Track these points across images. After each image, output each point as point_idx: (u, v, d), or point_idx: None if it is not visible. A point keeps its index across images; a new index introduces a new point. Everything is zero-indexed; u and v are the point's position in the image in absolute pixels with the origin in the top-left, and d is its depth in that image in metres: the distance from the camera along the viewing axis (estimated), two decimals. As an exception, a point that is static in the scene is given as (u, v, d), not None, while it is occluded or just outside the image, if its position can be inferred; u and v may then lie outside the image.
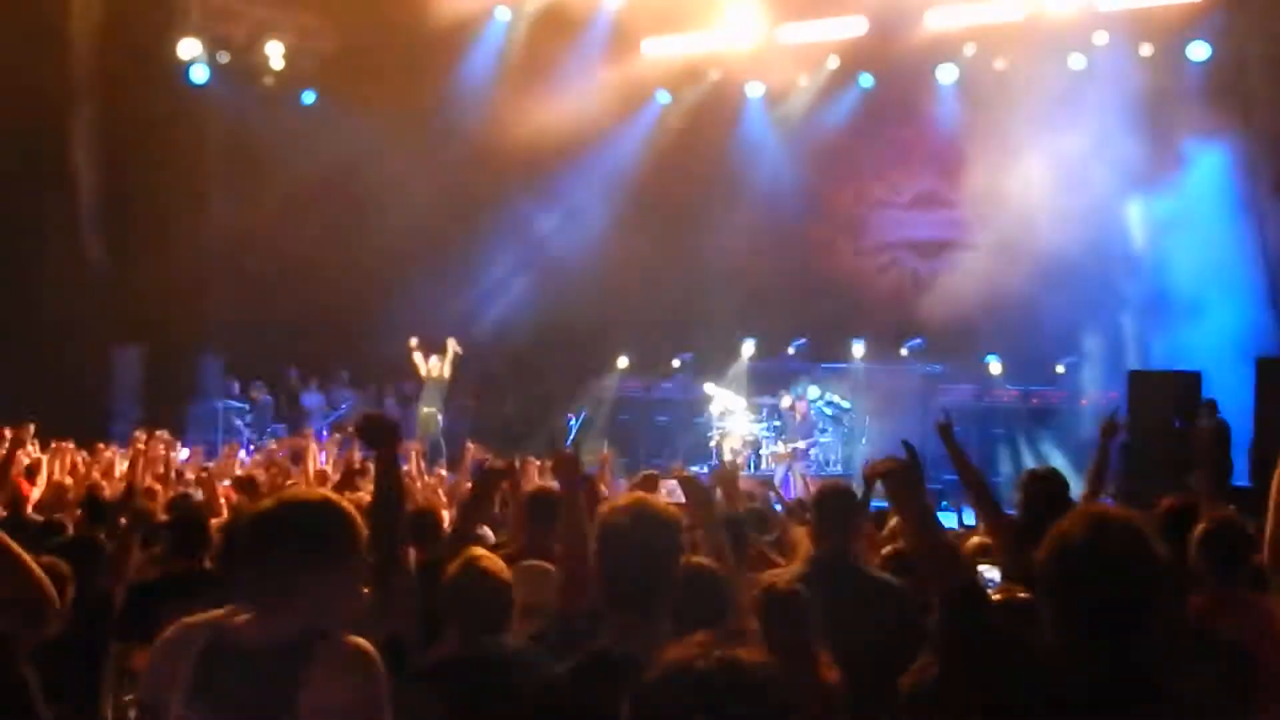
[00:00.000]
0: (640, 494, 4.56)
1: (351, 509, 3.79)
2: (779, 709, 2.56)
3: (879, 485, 4.17)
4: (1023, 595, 4.92)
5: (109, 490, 11.43)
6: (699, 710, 2.50)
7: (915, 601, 5.64)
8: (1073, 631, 3.42)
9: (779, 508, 11.24)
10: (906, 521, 4.22)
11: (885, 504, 12.99)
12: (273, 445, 19.76)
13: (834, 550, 6.13)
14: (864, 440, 23.40)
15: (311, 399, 26.27)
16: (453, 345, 23.89)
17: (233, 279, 25.78)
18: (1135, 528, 3.45)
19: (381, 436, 4.97)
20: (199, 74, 25.23)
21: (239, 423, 25.05)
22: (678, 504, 4.72)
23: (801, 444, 22.08)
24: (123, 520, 8.05)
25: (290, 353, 26.38)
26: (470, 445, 15.61)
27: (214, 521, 8.55)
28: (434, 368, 23.83)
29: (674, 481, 7.42)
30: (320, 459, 15.21)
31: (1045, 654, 3.48)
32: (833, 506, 6.26)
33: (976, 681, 3.59)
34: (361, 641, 3.66)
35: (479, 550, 5.53)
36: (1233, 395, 17.88)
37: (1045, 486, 6.97)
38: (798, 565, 6.36)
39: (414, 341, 23.85)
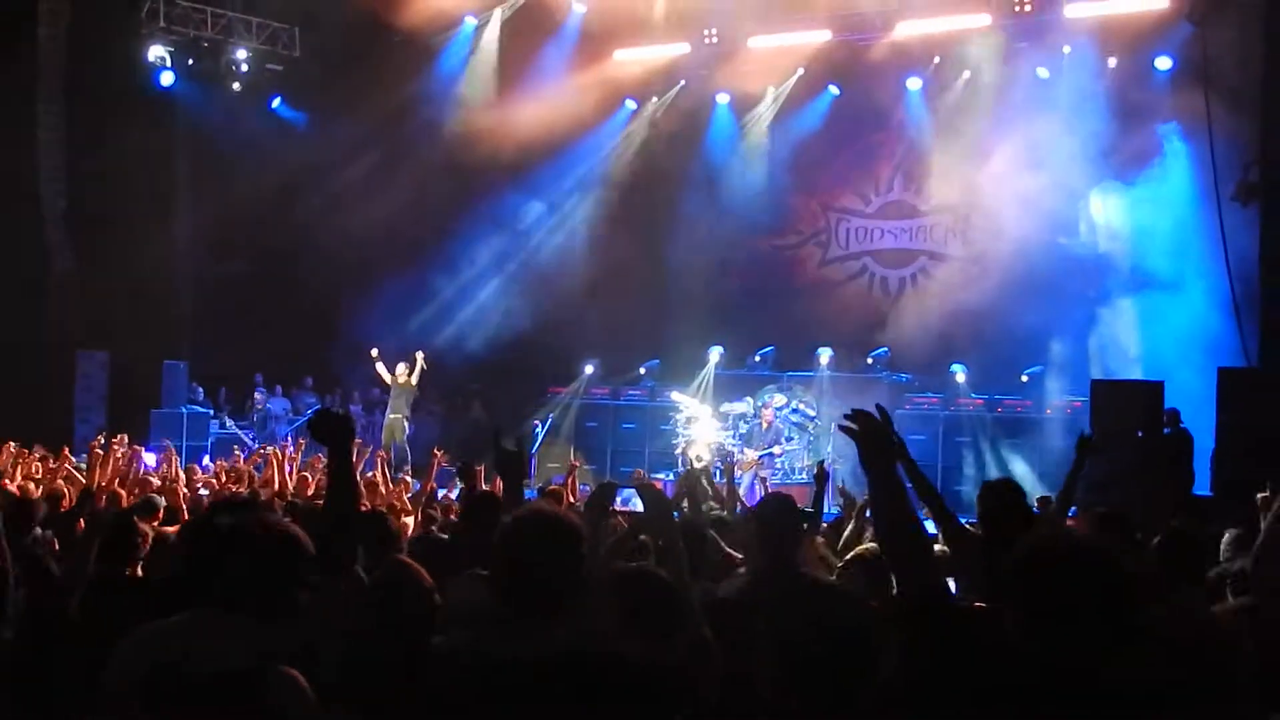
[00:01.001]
0: (541, 504, 4.63)
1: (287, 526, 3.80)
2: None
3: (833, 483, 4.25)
4: (979, 605, 4.98)
5: (69, 496, 11.38)
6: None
7: (864, 607, 5.70)
8: (1038, 637, 3.53)
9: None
10: (874, 486, 4.27)
11: (839, 513, 13.07)
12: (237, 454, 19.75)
13: (778, 559, 6.19)
14: (829, 449, 23.44)
15: (276, 404, 26.25)
16: (420, 358, 23.81)
17: (198, 284, 25.71)
18: (1103, 547, 3.63)
19: (332, 432, 4.93)
20: (166, 78, 25.14)
21: (237, 429, 25.07)
22: (627, 511, 4.77)
23: (770, 451, 22.09)
24: (80, 524, 8.01)
25: (255, 358, 26.30)
26: (437, 453, 15.55)
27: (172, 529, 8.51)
28: (401, 374, 23.75)
29: (632, 489, 7.46)
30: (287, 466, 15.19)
31: (1005, 654, 3.58)
32: (774, 516, 6.33)
33: (940, 679, 3.65)
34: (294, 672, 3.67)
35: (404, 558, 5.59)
36: (1196, 404, 17.95)
37: (1002, 498, 7.04)
38: (743, 575, 6.46)
39: (375, 352, 23.76)
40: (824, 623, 4.00)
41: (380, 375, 23.90)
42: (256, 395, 26.07)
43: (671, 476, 21.24)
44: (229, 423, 25.62)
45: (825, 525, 10.67)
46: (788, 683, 3.95)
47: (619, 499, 9.22)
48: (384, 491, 14.76)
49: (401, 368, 23.78)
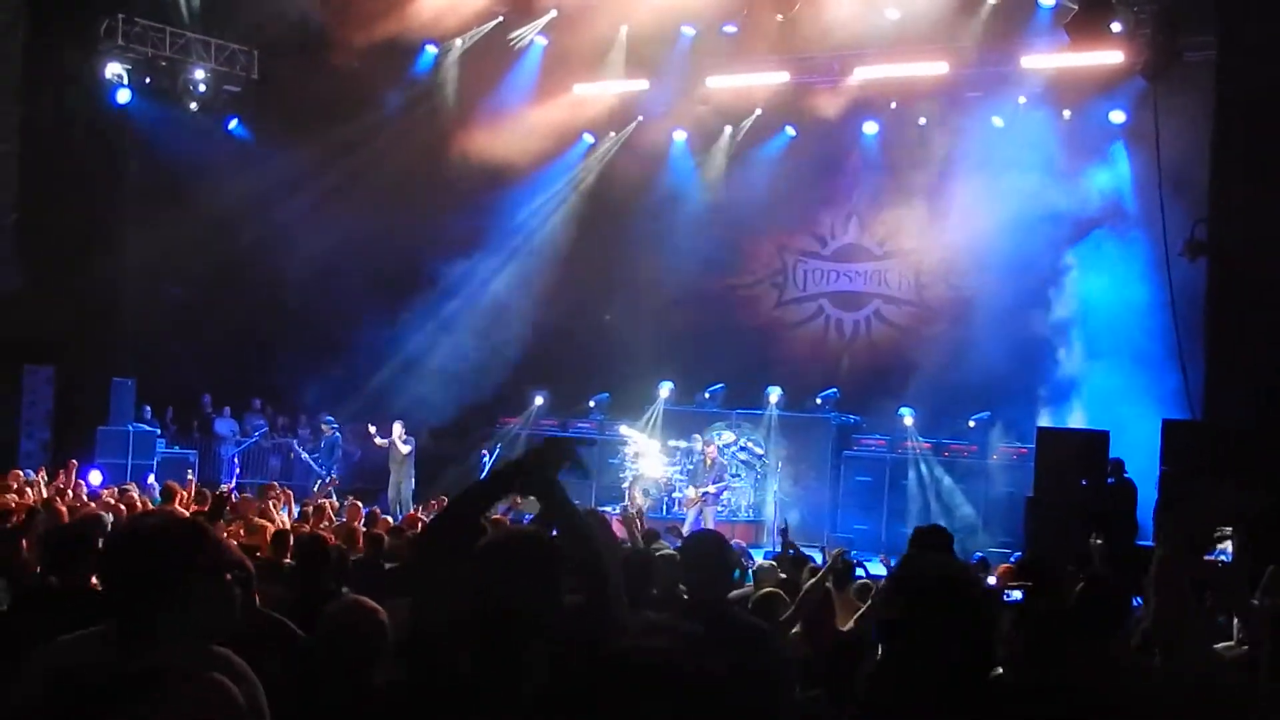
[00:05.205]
0: (520, 528, 4.59)
1: (206, 527, 3.78)
2: None
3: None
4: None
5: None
6: None
7: (778, 644, 6.19)
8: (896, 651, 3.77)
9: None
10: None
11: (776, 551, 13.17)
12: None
13: (704, 591, 6.38)
14: (775, 487, 23.52)
15: (224, 425, 26.12)
16: (398, 428, 23.74)
17: (148, 302, 25.55)
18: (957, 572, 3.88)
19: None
20: (122, 96, 25.01)
21: (304, 454, 24.99)
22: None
23: (711, 488, 22.12)
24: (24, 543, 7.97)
25: (203, 378, 26.18)
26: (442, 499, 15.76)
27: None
28: (394, 446, 23.63)
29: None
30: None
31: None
32: (699, 554, 6.49)
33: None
34: (221, 678, 3.63)
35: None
36: (1141, 455, 18.09)
37: (927, 543, 7.23)
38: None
39: (372, 429, 23.78)
40: (747, 659, 4.02)
41: (384, 445, 23.78)
42: (323, 423, 25.76)
43: (617, 511, 21.23)
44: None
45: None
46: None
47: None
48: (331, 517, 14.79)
49: (391, 440, 23.64)
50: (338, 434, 24.97)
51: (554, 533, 4.36)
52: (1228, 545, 13.14)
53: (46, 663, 3.74)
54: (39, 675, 3.66)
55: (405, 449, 23.45)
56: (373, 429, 23.71)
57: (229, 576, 3.77)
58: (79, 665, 3.59)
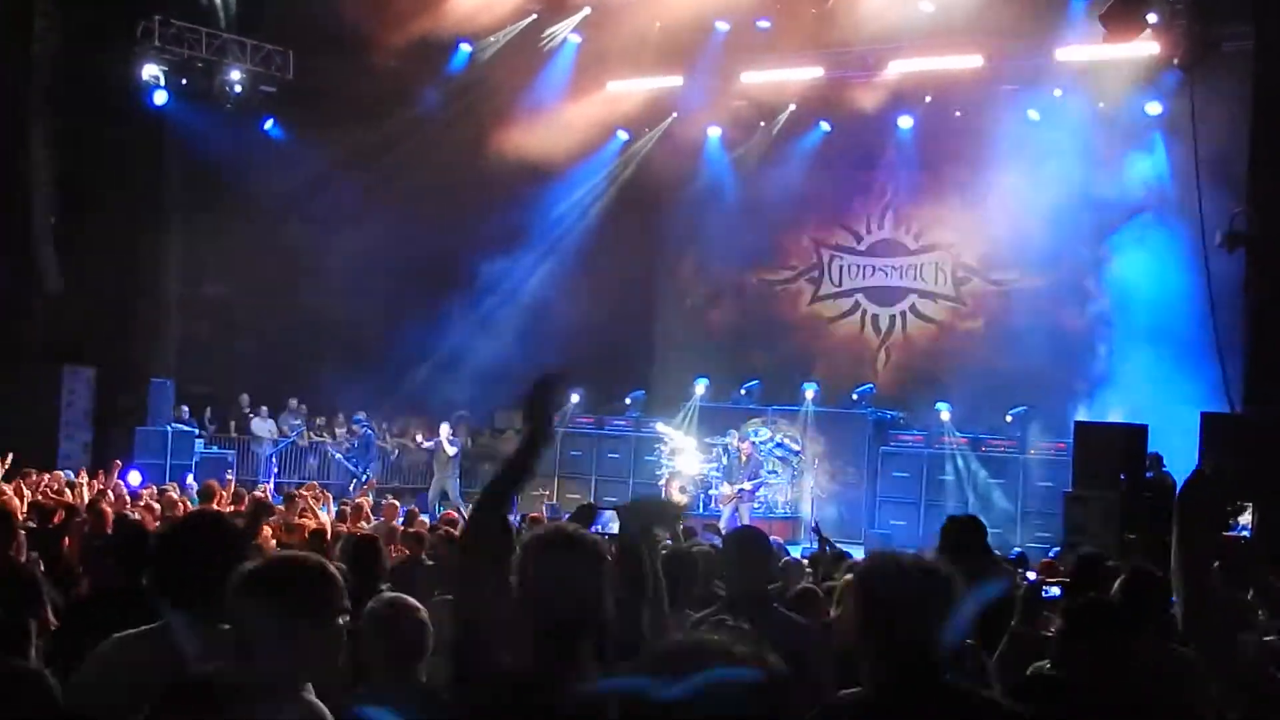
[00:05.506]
0: (566, 525, 4.55)
1: (329, 567, 3.78)
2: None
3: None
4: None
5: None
6: None
7: (820, 640, 6.23)
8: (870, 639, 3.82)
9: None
10: None
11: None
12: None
13: (747, 587, 6.44)
14: (811, 484, 23.50)
15: (261, 425, 26.20)
16: (445, 429, 23.86)
17: (187, 303, 25.68)
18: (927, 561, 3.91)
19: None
20: (159, 98, 25.12)
21: (338, 455, 25.17)
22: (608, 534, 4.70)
23: (747, 485, 22.10)
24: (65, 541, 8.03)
25: (241, 378, 26.27)
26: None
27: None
28: (441, 446, 23.76)
29: (611, 512, 7.58)
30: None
31: None
32: (743, 550, 6.58)
33: None
34: (319, 704, 3.67)
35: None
36: (1181, 447, 17.99)
37: (959, 533, 7.19)
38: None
39: (419, 436, 23.98)
40: (790, 650, 4.03)
41: (432, 449, 23.96)
42: (354, 424, 25.97)
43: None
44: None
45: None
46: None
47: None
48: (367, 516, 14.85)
49: (439, 441, 23.78)
50: (370, 433, 25.03)
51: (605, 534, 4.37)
52: (1246, 519, 13.08)
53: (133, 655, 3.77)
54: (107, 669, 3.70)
55: (451, 450, 23.54)
56: (419, 437, 23.83)
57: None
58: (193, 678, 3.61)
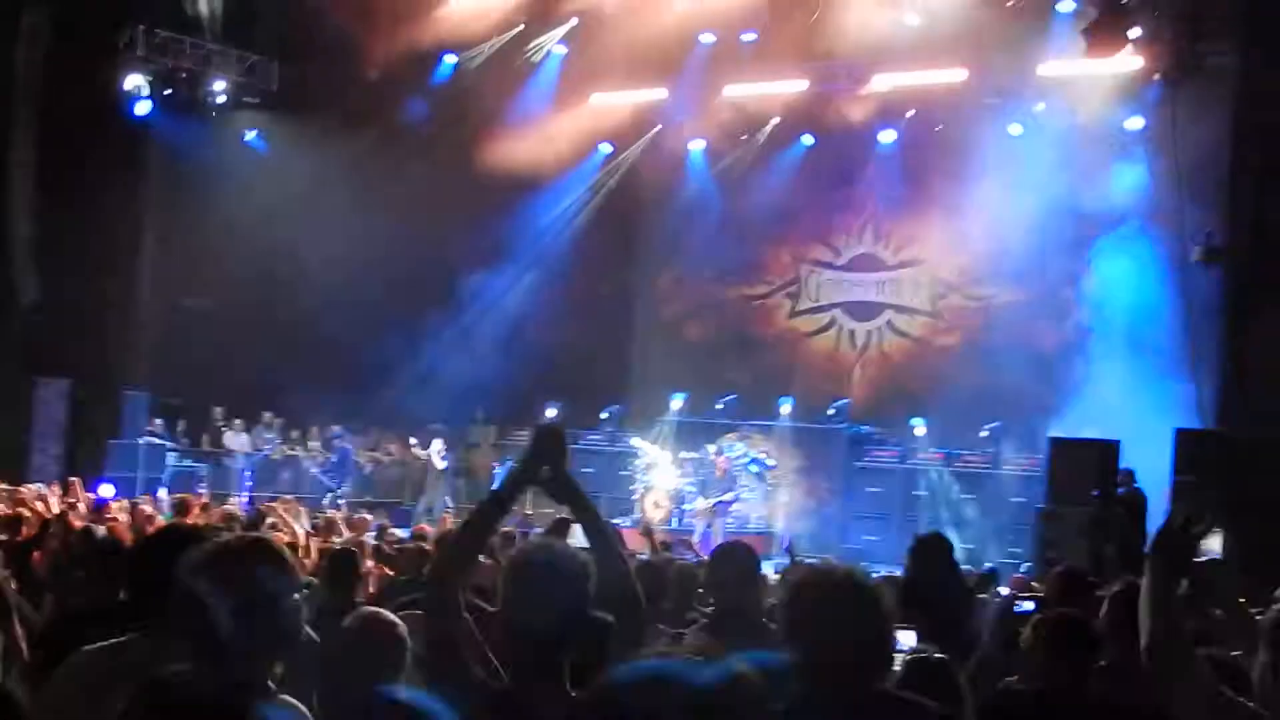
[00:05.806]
0: (548, 539, 4.58)
1: (274, 543, 3.78)
2: None
3: None
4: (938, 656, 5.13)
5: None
6: None
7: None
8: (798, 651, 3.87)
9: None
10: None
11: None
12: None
13: (739, 604, 6.38)
14: (785, 499, 23.52)
15: (235, 438, 25.96)
16: (438, 444, 23.92)
17: (163, 315, 25.57)
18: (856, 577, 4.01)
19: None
20: (142, 107, 25.05)
21: (314, 470, 25.22)
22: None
23: (728, 496, 22.11)
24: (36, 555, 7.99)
25: (217, 390, 26.12)
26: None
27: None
28: (431, 461, 23.81)
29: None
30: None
31: None
32: (731, 565, 6.54)
33: None
34: (295, 701, 3.67)
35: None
36: (1152, 465, 18.06)
37: (927, 551, 7.28)
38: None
39: (413, 441, 24.02)
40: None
41: (424, 459, 24.00)
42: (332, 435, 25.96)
43: (629, 523, 21.21)
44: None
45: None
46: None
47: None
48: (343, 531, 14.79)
49: (429, 454, 23.82)
50: (348, 447, 24.96)
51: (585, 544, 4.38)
52: (1214, 543, 13.11)
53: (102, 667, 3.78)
54: (80, 679, 3.70)
55: (441, 465, 23.58)
56: (414, 441, 23.83)
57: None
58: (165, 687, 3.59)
